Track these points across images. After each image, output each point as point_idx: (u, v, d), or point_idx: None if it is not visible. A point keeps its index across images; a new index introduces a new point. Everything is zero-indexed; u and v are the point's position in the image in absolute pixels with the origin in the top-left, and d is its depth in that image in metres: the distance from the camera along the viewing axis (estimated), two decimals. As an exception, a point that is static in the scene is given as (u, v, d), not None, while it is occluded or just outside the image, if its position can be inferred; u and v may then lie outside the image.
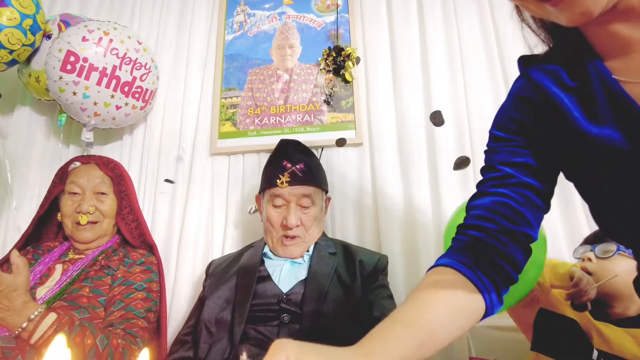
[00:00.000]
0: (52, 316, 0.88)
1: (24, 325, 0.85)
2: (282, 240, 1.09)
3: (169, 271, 1.38)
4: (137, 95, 1.48)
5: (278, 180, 1.08)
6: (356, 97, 1.50)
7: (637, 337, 0.84)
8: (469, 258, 0.55)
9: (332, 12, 1.62)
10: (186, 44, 1.67)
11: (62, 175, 1.23)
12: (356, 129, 1.46)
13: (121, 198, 1.22)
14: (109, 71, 1.39)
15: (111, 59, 1.39)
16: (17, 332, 0.86)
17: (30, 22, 1.38)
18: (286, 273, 1.06)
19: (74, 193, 1.16)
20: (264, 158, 1.33)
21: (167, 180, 1.47)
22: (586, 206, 0.55)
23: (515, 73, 0.63)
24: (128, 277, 1.09)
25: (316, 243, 1.13)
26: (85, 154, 1.42)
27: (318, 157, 1.18)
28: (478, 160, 1.36)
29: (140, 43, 1.50)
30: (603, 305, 0.91)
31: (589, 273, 0.88)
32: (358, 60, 1.51)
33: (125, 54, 1.43)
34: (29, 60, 1.49)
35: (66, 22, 1.53)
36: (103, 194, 1.19)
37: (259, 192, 1.21)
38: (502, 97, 1.00)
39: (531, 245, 0.57)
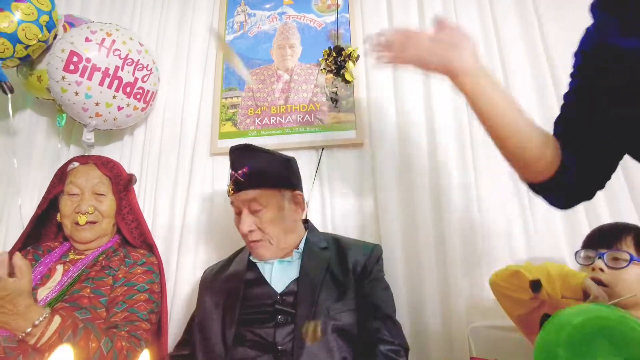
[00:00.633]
0: (56, 320, 0.88)
1: (29, 330, 0.85)
2: (250, 244, 1.09)
3: (170, 271, 1.38)
4: (138, 97, 1.49)
5: (228, 189, 1.10)
6: (357, 97, 1.50)
7: None
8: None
9: (333, 12, 1.62)
10: (186, 44, 1.68)
11: (61, 176, 1.23)
12: (356, 128, 1.46)
13: (120, 198, 1.22)
14: (111, 72, 1.40)
15: (114, 60, 1.40)
16: (20, 336, 0.85)
17: (47, 19, 1.38)
18: (278, 273, 1.05)
19: (73, 194, 1.16)
20: (264, 158, 1.34)
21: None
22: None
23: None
24: (130, 278, 1.09)
25: (307, 239, 1.12)
26: (85, 154, 1.43)
27: (279, 155, 1.13)
28: (478, 159, 1.35)
29: (142, 45, 1.51)
30: None
31: (603, 284, 0.85)
32: (357, 58, 1.51)
33: (128, 55, 1.44)
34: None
35: (71, 23, 1.55)
36: (101, 194, 1.19)
37: None
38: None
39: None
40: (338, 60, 1.51)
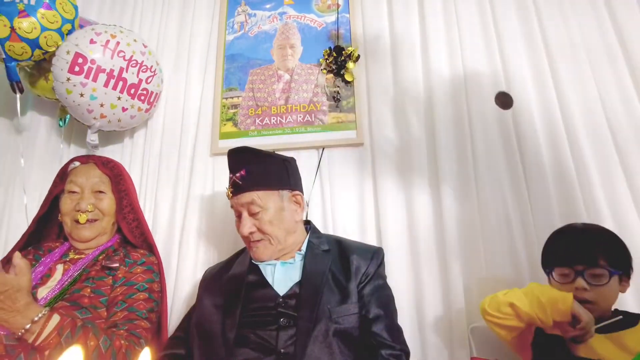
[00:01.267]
0: (55, 318, 0.88)
1: (27, 326, 0.85)
2: (250, 245, 1.09)
3: (170, 271, 1.38)
4: (142, 98, 1.51)
5: (227, 192, 1.10)
6: (357, 97, 1.50)
7: (615, 340, 0.86)
8: None
9: (333, 12, 1.62)
10: (187, 44, 1.69)
11: (63, 175, 1.24)
12: (357, 129, 1.46)
13: (121, 197, 1.23)
14: (115, 73, 1.41)
15: (118, 61, 1.42)
16: (19, 334, 0.86)
17: (69, 27, 1.41)
18: (281, 275, 1.05)
19: (73, 192, 1.17)
20: (264, 158, 1.34)
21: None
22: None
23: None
24: (130, 278, 1.09)
25: (309, 241, 1.12)
26: (86, 154, 1.44)
27: (277, 156, 1.13)
28: (479, 158, 1.34)
29: (145, 46, 1.53)
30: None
31: (589, 302, 0.87)
32: (358, 58, 1.51)
33: (132, 56, 1.45)
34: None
35: (80, 25, 1.57)
36: (101, 192, 1.20)
37: None
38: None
39: None
40: (338, 60, 1.51)
